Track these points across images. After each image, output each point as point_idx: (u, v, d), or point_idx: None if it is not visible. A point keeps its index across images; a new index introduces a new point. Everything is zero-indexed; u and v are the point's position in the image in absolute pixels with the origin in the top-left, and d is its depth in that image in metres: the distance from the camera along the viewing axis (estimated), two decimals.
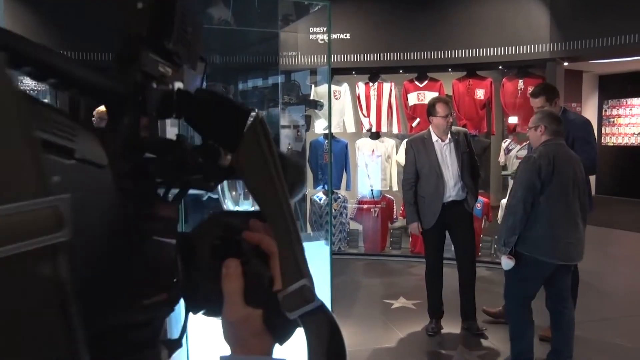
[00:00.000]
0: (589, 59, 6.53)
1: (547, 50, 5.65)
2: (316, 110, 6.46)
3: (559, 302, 3.34)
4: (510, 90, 6.07)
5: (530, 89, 5.94)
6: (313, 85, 4.09)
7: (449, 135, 4.00)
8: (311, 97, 3.97)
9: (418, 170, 4.02)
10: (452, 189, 3.96)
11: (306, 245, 0.55)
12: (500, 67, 6.25)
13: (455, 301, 4.20)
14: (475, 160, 4.15)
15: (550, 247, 3.12)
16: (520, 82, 5.96)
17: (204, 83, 0.73)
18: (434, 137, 4.00)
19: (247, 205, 2.54)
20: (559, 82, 5.86)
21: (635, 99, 11.45)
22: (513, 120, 6.00)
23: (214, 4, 3.15)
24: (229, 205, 2.55)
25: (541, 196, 3.09)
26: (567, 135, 3.51)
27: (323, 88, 6.49)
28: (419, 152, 4.01)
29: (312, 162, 6.56)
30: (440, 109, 3.93)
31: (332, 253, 6.30)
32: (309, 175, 6.62)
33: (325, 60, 6.20)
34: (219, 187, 2.52)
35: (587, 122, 4.06)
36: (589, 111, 12.11)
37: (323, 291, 2.72)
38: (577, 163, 3.23)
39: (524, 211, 3.10)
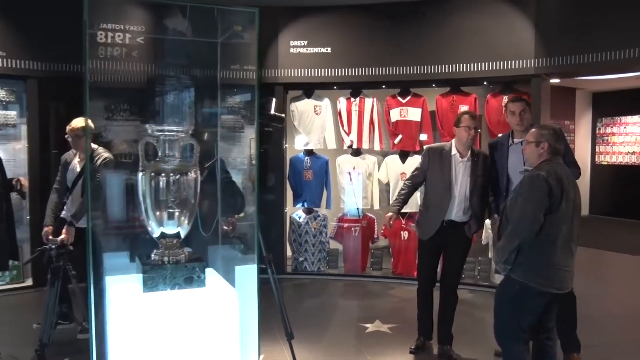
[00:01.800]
0: (575, 75, 6.36)
1: (532, 65, 5.49)
2: (295, 125, 6.32)
3: (542, 332, 3.02)
4: (494, 107, 5.89)
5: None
6: (274, 100, 3.91)
7: (469, 154, 3.80)
8: (272, 112, 3.77)
9: (426, 179, 3.87)
10: (455, 208, 3.76)
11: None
12: (484, 82, 6.09)
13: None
14: (487, 188, 3.87)
15: (550, 275, 2.83)
16: (505, 99, 5.78)
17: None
18: (454, 150, 3.81)
19: (172, 226, 2.32)
20: (545, 98, 5.69)
21: (630, 117, 11.30)
22: None
23: (170, 15, 2.99)
24: (152, 226, 2.33)
25: (547, 218, 2.80)
26: None
27: (303, 103, 6.35)
28: (433, 161, 3.84)
29: (291, 179, 6.37)
30: (464, 119, 3.76)
31: (309, 273, 6.08)
32: (289, 192, 6.42)
33: (317, 73, 6.09)
34: (142, 207, 2.31)
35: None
36: (583, 129, 11.95)
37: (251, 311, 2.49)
38: (576, 185, 2.98)
39: (531, 231, 2.79)
